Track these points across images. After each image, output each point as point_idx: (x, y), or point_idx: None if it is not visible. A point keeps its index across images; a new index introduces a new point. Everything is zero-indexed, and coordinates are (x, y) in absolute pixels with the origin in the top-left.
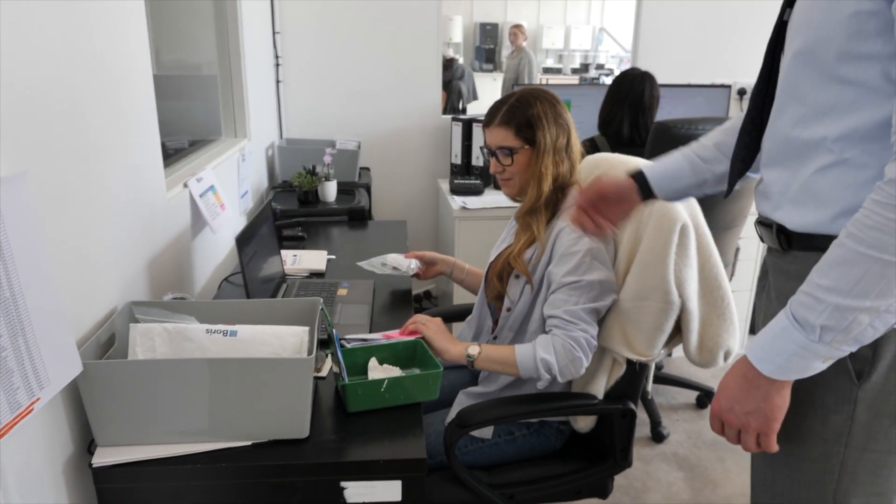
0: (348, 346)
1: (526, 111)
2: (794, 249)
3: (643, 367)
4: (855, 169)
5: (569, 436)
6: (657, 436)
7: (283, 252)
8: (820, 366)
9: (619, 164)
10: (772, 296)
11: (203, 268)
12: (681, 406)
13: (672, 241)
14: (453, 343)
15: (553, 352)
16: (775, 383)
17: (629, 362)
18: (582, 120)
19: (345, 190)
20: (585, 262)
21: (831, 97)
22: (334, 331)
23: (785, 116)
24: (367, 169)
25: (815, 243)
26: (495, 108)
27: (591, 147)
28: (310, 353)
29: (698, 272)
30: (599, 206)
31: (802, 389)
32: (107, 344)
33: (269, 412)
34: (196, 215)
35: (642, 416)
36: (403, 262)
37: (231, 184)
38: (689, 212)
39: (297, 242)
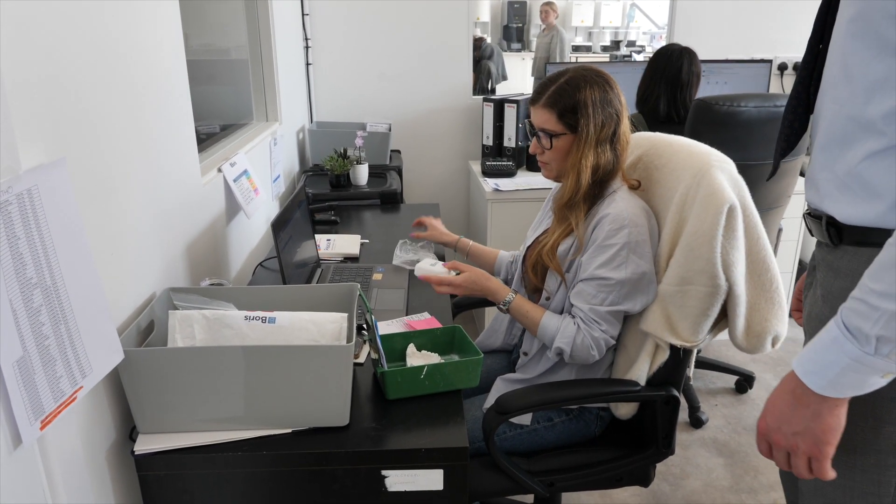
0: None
1: (573, 95)
2: (844, 244)
3: (687, 352)
4: None
5: (609, 422)
6: (696, 421)
7: (317, 236)
8: (878, 381)
9: (660, 144)
10: (817, 294)
11: (238, 253)
12: (719, 391)
13: (719, 223)
14: (495, 281)
15: (571, 345)
16: (827, 401)
17: (673, 348)
18: None
19: (376, 173)
20: (621, 255)
21: (883, 71)
22: (373, 317)
23: (832, 94)
24: (398, 151)
25: (870, 238)
26: (543, 86)
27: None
28: (349, 339)
29: (746, 255)
30: None
31: (852, 399)
32: (146, 331)
33: (310, 399)
34: (230, 200)
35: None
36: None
37: (264, 168)
38: (736, 192)
39: (331, 227)
